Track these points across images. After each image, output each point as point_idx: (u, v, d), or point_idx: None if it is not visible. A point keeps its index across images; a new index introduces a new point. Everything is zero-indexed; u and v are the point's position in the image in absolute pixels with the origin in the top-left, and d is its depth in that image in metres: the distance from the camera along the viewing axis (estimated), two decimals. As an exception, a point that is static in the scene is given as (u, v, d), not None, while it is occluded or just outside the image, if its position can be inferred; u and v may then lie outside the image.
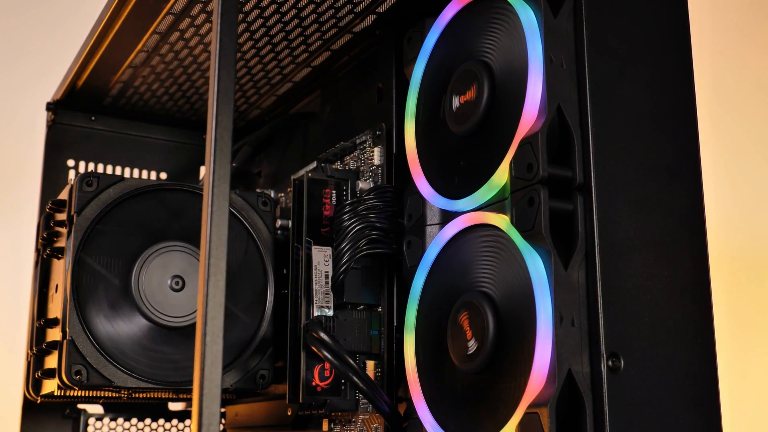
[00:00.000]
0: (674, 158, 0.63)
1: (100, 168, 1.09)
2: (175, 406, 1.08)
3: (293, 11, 0.82)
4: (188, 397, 0.89)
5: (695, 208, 0.64)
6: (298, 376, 0.76)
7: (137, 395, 0.84)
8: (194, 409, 0.46)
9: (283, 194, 0.99)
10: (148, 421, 1.06)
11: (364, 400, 0.76)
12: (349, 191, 0.81)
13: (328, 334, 0.73)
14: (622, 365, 0.57)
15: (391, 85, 0.81)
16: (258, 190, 1.02)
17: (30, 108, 1.24)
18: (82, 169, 1.08)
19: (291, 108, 1.03)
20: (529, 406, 0.57)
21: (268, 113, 1.07)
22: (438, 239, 0.69)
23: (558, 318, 0.57)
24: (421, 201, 0.71)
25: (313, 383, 0.76)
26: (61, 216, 0.83)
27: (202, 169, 1.15)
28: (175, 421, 1.07)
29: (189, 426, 1.08)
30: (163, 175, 1.12)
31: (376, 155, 0.80)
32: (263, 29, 0.86)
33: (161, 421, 1.06)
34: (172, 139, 1.13)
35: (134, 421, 1.05)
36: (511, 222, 0.61)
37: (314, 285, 0.76)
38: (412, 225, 0.72)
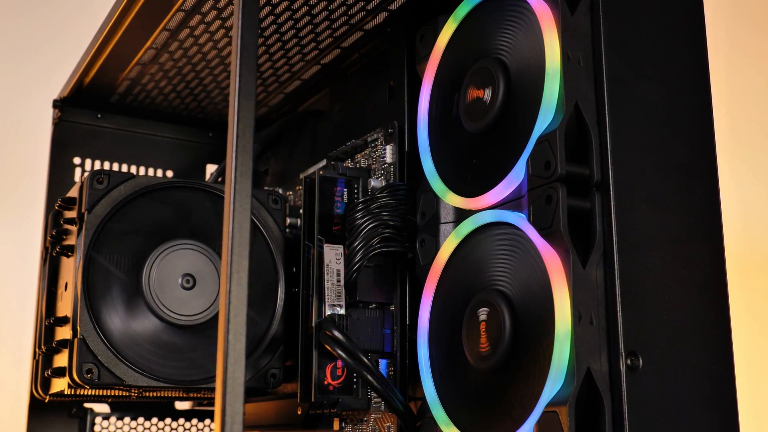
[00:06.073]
0: (691, 156, 0.63)
1: (107, 166, 1.09)
2: (181, 405, 1.08)
3: (304, 8, 0.82)
4: (199, 396, 0.89)
5: (712, 206, 0.63)
6: (309, 375, 0.76)
7: (147, 394, 0.84)
8: (217, 408, 0.46)
9: (291, 192, 0.99)
10: (154, 420, 1.05)
11: (377, 399, 0.76)
12: (360, 189, 0.80)
13: (342, 333, 0.73)
14: (641, 364, 0.57)
15: (403, 83, 0.80)
16: (266, 188, 1.02)
17: (36, 105, 1.23)
18: (88, 167, 1.07)
19: (299, 106, 1.03)
20: (548, 405, 0.56)
21: (275, 111, 1.07)
22: (452, 237, 0.68)
23: (577, 316, 0.57)
24: (435, 199, 0.71)
25: (325, 382, 0.75)
26: (71, 213, 0.83)
27: (209, 168, 1.14)
28: (181, 420, 1.07)
29: (195, 425, 1.08)
30: (170, 173, 1.12)
31: (388, 153, 0.79)
32: (274, 26, 0.86)
33: (168, 420, 1.06)
34: (178, 137, 1.12)
35: (141, 420, 1.05)
36: (529, 220, 0.61)
37: (326, 283, 0.76)
38: (426, 223, 0.72)
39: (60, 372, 0.81)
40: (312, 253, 0.78)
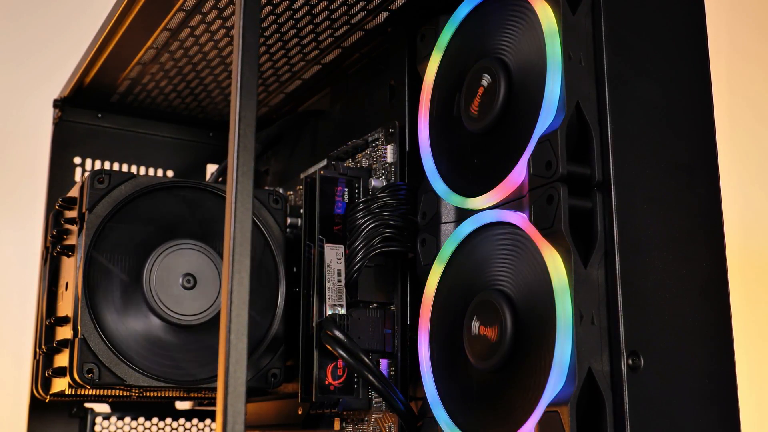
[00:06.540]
0: (692, 156, 0.63)
1: (107, 165, 1.09)
2: (182, 405, 1.08)
3: (305, 8, 0.82)
4: (200, 396, 0.89)
5: (713, 205, 0.63)
6: (310, 375, 0.76)
7: (148, 394, 0.84)
8: (219, 408, 0.46)
9: (292, 192, 0.99)
10: (155, 420, 1.05)
11: (377, 399, 0.76)
12: (361, 189, 0.80)
13: (343, 332, 0.73)
14: (642, 364, 0.57)
15: (403, 83, 0.80)
16: (267, 188, 1.02)
17: (36, 105, 1.23)
18: (88, 167, 1.07)
19: (300, 106, 1.02)
20: (549, 405, 0.56)
21: (276, 111, 1.07)
22: (453, 237, 0.68)
23: (578, 316, 0.57)
24: (436, 199, 0.71)
25: (326, 382, 0.75)
26: (72, 213, 0.83)
27: (209, 167, 1.14)
28: (182, 420, 1.07)
29: (196, 425, 1.08)
30: (170, 173, 1.12)
31: (389, 153, 0.79)
32: (275, 26, 0.86)
33: (168, 420, 1.06)
34: (179, 136, 1.13)
35: (141, 420, 1.05)
36: (530, 220, 0.61)
37: (327, 283, 0.76)
38: (427, 223, 0.72)
39: (61, 372, 0.80)
40: (313, 253, 0.78)
